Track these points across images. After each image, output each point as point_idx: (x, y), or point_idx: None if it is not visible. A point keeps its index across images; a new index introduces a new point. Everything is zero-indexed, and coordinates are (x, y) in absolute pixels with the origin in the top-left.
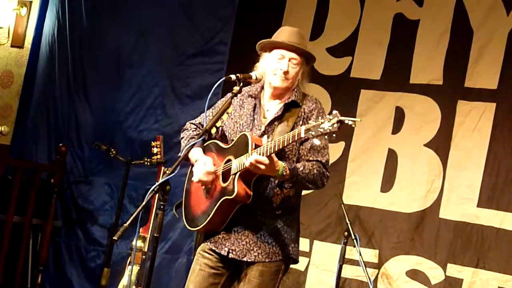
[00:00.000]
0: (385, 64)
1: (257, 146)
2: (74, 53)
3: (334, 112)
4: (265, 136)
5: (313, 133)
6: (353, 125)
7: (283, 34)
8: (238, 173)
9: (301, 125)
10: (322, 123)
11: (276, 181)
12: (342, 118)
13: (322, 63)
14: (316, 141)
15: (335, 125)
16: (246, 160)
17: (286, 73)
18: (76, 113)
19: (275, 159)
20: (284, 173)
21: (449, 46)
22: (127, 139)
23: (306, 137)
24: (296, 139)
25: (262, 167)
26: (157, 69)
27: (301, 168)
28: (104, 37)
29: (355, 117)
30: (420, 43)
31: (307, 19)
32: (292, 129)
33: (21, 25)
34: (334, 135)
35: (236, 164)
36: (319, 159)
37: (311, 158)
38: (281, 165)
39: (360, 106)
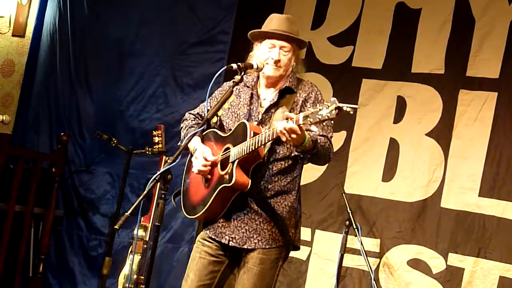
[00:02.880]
0: (387, 53)
1: (255, 134)
2: (75, 42)
3: (333, 99)
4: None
5: (311, 119)
6: (351, 112)
7: (272, 22)
8: (237, 161)
9: (298, 111)
10: (320, 109)
11: (274, 168)
12: (341, 104)
13: (323, 52)
14: (314, 128)
15: (333, 112)
16: (279, 125)
17: (277, 62)
18: (78, 102)
19: (303, 129)
20: (307, 144)
21: (451, 35)
22: (129, 128)
23: (304, 124)
24: (296, 125)
25: (294, 136)
26: (158, 59)
27: (318, 141)
28: (106, 26)
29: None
30: (422, 32)
31: (308, 8)
32: None
33: (22, 14)
34: (332, 121)
35: (235, 151)
36: (327, 134)
37: (321, 133)
38: (307, 135)
39: (361, 96)
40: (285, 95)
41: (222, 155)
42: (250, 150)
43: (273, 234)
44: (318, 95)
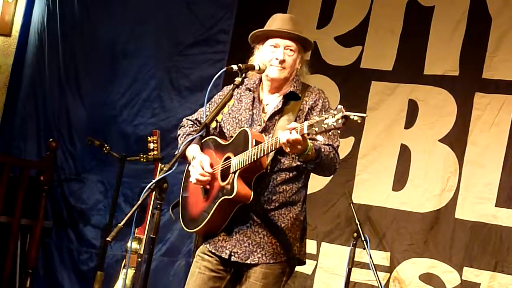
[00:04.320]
0: (398, 54)
1: (257, 142)
2: (65, 42)
3: (339, 106)
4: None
5: (316, 129)
6: (359, 121)
7: (275, 22)
8: (238, 171)
9: (304, 119)
10: (326, 118)
11: (279, 179)
12: (348, 113)
13: (330, 53)
14: (320, 138)
15: (340, 121)
16: (282, 136)
17: (282, 62)
18: (67, 106)
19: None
20: (310, 153)
21: (466, 34)
22: (122, 134)
23: (308, 133)
24: (300, 134)
25: (299, 146)
26: (154, 60)
27: (322, 150)
28: (98, 25)
29: (365, 110)
30: (435, 32)
31: (314, 5)
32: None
33: (8, 11)
34: (339, 131)
35: (236, 161)
36: (332, 143)
37: (326, 142)
38: (309, 143)
39: (370, 99)
40: (289, 101)
41: (222, 165)
42: (252, 160)
43: (277, 248)
44: (326, 103)
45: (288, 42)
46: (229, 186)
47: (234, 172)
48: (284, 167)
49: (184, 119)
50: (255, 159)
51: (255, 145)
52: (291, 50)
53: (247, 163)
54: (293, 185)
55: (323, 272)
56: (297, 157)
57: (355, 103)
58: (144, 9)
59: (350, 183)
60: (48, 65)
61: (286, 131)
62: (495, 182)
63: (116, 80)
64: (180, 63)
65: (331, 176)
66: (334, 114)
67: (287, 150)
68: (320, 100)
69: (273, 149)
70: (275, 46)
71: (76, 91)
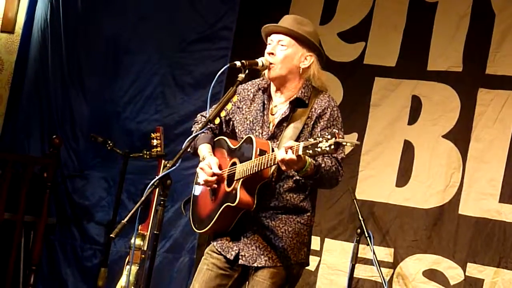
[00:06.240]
0: (401, 50)
1: (262, 151)
2: (69, 38)
3: (334, 131)
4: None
5: (310, 151)
6: (352, 147)
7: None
8: (241, 180)
9: (311, 127)
10: (320, 142)
11: (285, 186)
12: (339, 140)
13: (333, 49)
14: (313, 160)
15: (332, 147)
16: (278, 155)
17: (270, 53)
18: (71, 103)
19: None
20: (309, 169)
21: (469, 30)
22: (125, 131)
23: (304, 155)
24: (295, 155)
25: (295, 166)
26: (157, 56)
27: (322, 165)
28: (101, 22)
29: (368, 107)
30: (438, 27)
31: (317, 1)
32: (301, 131)
33: (11, 8)
34: (331, 155)
35: (239, 170)
36: (336, 155)
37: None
38: (307, 160)
39: (374, 95)
40: (296, 108)
41: (228, 170)
42: (254, 171)
43: (284, 251)
44: (334, 112)
45: (280, 37)
46: (232, 194)
47: (238, 180)
48: (290, 174)
49: (198, 115)
50: (256, 170)
51: (259, 154)
52: (283, 45)
53: (249, 173)
54: (301, 193)
55: (327, 268)
56: (296, 173)
57: (358, 99)
58: (147, 6)
59: (354, 179)
60: (52, 62)
61: (282, 150)
62: (499, 178)
63: (119, 77)
64: (183, 60)
65: None
66: (328, 139)
67: (283, 168)
68: (328, 109)
69: (272, 164)
70: (269, 43)
71: (80, 87)
